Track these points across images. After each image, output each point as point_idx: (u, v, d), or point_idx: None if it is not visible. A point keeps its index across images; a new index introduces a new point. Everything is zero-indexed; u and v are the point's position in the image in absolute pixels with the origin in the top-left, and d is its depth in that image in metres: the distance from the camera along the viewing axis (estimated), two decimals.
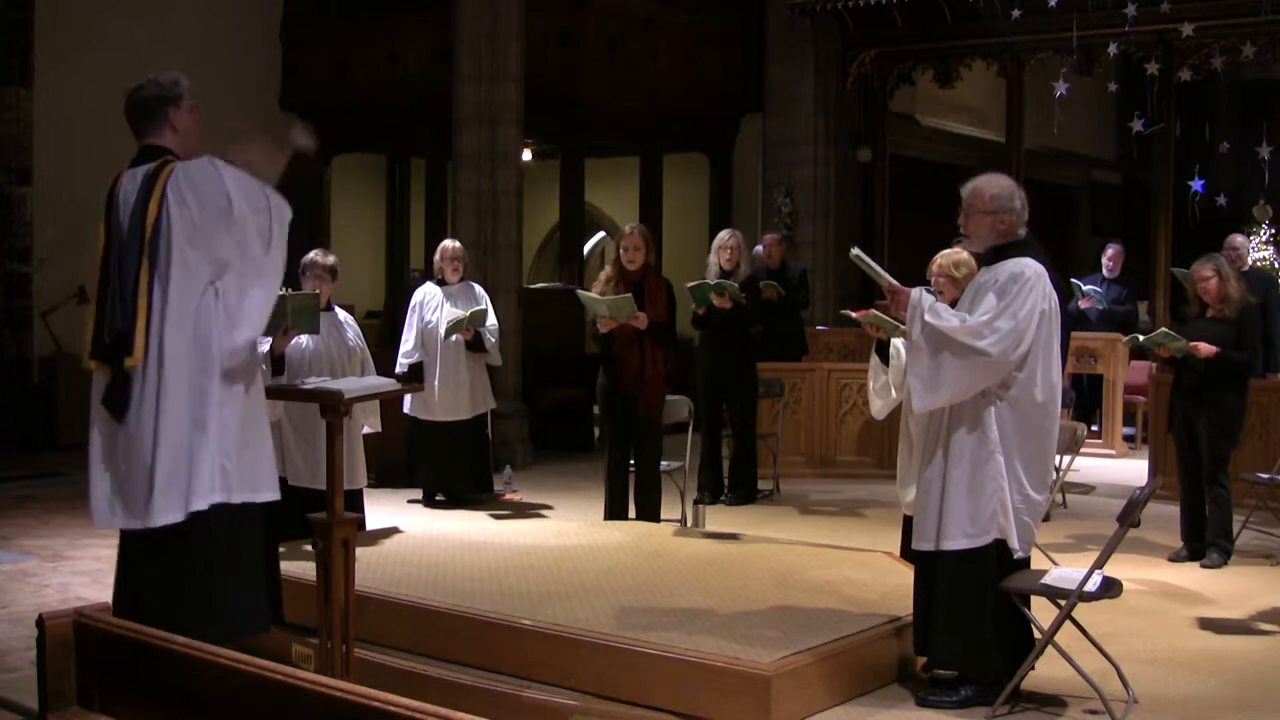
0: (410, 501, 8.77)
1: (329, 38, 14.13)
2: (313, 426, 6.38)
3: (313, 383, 5.17)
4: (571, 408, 11.86)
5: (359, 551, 4.62)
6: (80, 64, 11.97)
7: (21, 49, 11.65)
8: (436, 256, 8.87)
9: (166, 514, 4.02)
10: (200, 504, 4.05)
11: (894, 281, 4.94)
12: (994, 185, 4.95)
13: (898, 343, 5.89)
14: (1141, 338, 7.68)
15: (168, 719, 3.07)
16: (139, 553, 4.13)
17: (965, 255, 5.67)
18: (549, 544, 6.74)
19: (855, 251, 5.13)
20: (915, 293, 4.87)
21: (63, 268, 11.48)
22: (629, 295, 7.45)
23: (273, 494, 4.28)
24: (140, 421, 4.05)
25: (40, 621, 3.26)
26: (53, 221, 11.70)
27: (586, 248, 16.62)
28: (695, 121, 14.47)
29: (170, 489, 4.02)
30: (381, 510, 8.07)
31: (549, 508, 8.76)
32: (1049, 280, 4.81)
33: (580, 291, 7.86)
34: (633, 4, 13.41)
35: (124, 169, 4.21)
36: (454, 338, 8.53)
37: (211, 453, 4.08)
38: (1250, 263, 11.03)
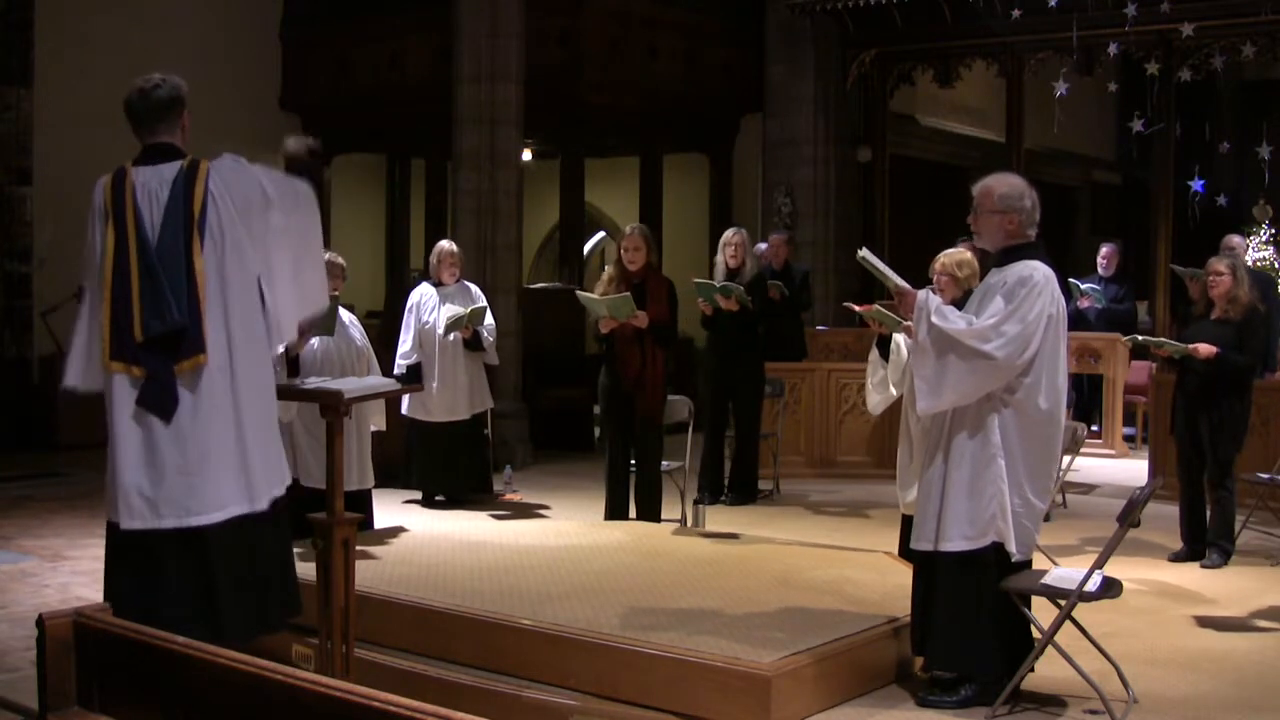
0: (409, 502, 8.76)
1: (329, 38, 14.13)
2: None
3: (314, 382, 5.17)
4: (571, 408, 11.86)
5: (359, 551, 4.62)
6: (80, 64, 11.97)
7: (21, 49, 11.66)
8: (433, 259, 8.84)
9: (256, 503, 4.06)
10: (279, 491, 4.15)
11: (901, 282, 4.93)
12: (1004, 184, 4.92)
13: (899, 338, 5.88)
14: (1140, 337, 7.66)
15: (167, 719, 3.07)
16: (171, 551, 3.99)
17: (968, 255, 5.66)
18: (549, 544, 6.74)
19: (863, 253, 5.12)
20: (922, 294, 4.85)
21: (63, 268, 11.45)
22: (627, 294, 7.45)
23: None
24: (209, 417, 3.99)
25: (40, 621, 3.25)
26: (53, 221, 11.71)
27: (586, 248, 16.61)
28: (695, 121, 14.47)
29: (259, 479, 4.07)
30: (382, 510, 8.06)
31: (549, 508, 8.76)
32: (1057, 284, 4.80)
33: (579, 292, 7.86)
34: (633, 4, 13.40)
35: (126, 165, 4.13)
36: (452, 336, 8.52)
37: (278, 443, 4.23)
38: (1250, 263, 11.03)
